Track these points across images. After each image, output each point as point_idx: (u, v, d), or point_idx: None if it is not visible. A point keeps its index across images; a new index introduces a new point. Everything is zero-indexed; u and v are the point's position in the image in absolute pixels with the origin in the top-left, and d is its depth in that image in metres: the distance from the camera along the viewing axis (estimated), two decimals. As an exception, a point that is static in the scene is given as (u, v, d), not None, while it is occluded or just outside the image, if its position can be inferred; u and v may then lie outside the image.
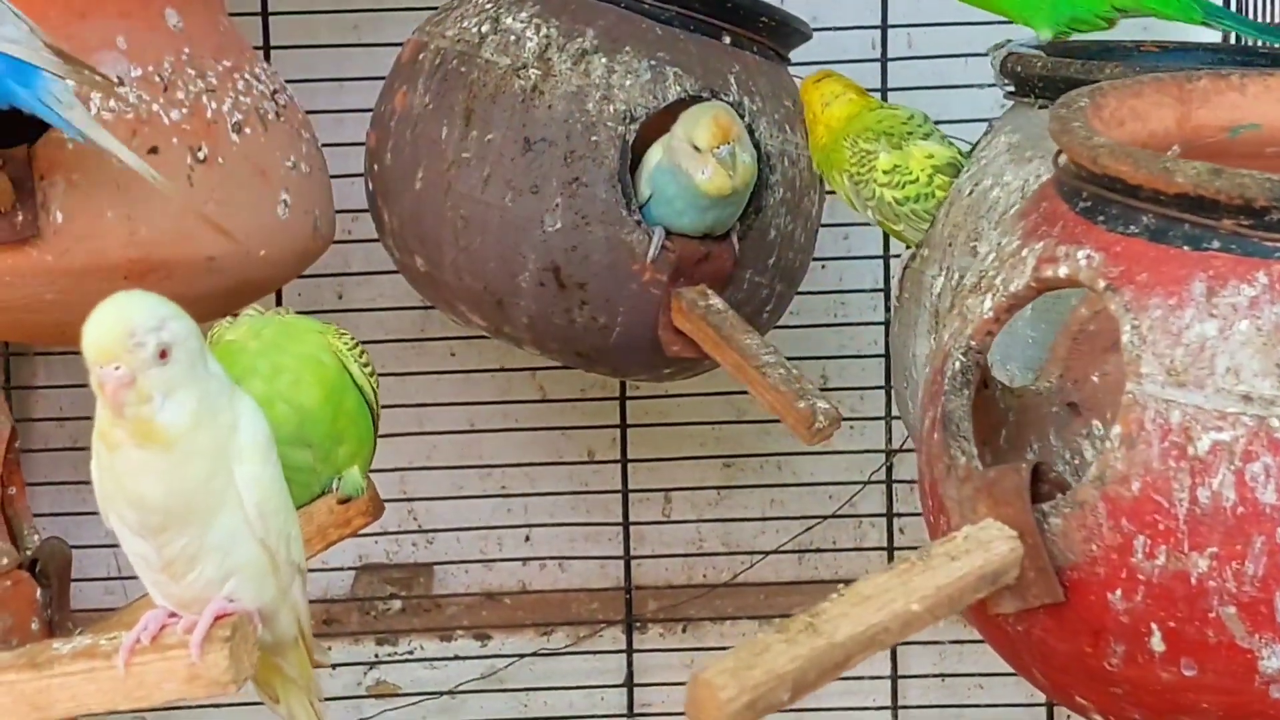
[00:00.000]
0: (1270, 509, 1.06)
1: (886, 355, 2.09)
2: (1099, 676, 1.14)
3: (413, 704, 2.21)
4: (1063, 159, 1.21)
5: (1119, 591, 1.10)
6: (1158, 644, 1.10)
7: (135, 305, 1.19)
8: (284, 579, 1.28)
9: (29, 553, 1.77)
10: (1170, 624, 1.09)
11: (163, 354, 1.18)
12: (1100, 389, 1.33)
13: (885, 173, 1.65)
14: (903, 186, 1.64)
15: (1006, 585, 1.13)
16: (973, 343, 1.21)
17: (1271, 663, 1.08)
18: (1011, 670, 1.24)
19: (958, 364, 1.22)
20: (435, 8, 1.84)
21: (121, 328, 1.17)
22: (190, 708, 2.03)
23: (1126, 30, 1.71)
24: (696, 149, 1.69)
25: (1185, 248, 1.11)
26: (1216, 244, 1.10)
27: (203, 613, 1.24)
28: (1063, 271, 1.15)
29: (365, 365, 1.49)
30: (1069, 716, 2.15)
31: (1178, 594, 1.08)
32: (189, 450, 1.20)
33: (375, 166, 1.82)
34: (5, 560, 1.73)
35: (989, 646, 1.24)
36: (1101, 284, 1.12)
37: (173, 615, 1.25)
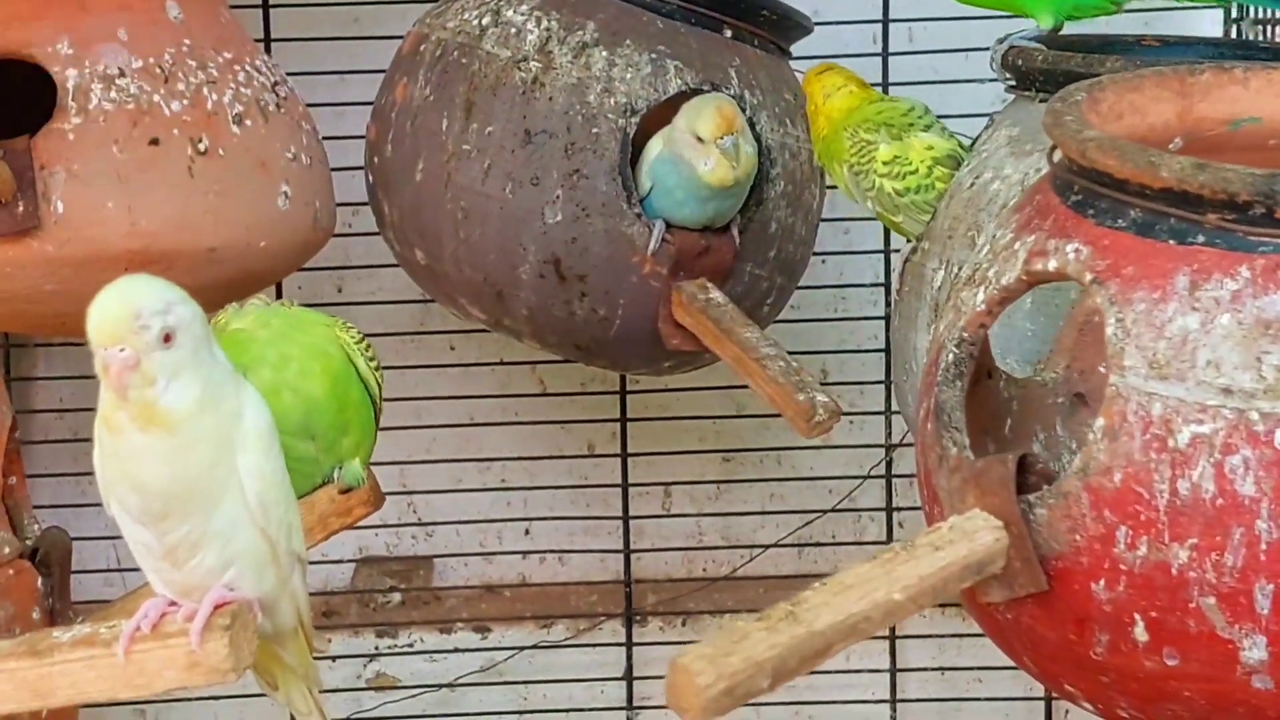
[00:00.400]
0: (1249, 501, 1.06)
1: (887, 350, 2.09)
2: (1086, 665, 1.14)
3: (412, 696, 2.21)
4: (1057, 154, 1.21)
5: (1102, 582, 1.10)
6: (1141, 634, 1.10)
7: (141, 288, 1.19)
8: (284, 568, 1.28)
9: (30, 542, 1.77)
10: (1152, 614, 1.10)
11: (167, 338, 1.18)
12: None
13: (885, 164, 1.64)
14: (903, 178, 1.63)
15: (994, 574, 1.13)
16: (965, 334, 1.22)
17: (1252, 653, 1.08)
18: (1011, 664, 1.24)
19: (951, 355, 1.22)
20: (436, 0, 1.85)
21: (127, 310, 1.17)
22: (190, 698, 2.03)
23: (1127, 24, 1.71)
24: (699, 140, 1.69)
25: (1171, 242, 1.11)
26: (1201, 238, 1.10)
27: (203, 601, 1.24)
28: (1052, 265, 1.15)
29: (371, 359, 1.50)
30: (1068, 711, 2.17)
31: (1159, 584, 1.09)
32: (192, 436, 1.20)
33: (375, 159, 1.82)
34: (7, 549, 1.73)
35: (988, 640, 1.25)
36: (1088, 277, 1.13)
37: (173, 604, 1.25)
